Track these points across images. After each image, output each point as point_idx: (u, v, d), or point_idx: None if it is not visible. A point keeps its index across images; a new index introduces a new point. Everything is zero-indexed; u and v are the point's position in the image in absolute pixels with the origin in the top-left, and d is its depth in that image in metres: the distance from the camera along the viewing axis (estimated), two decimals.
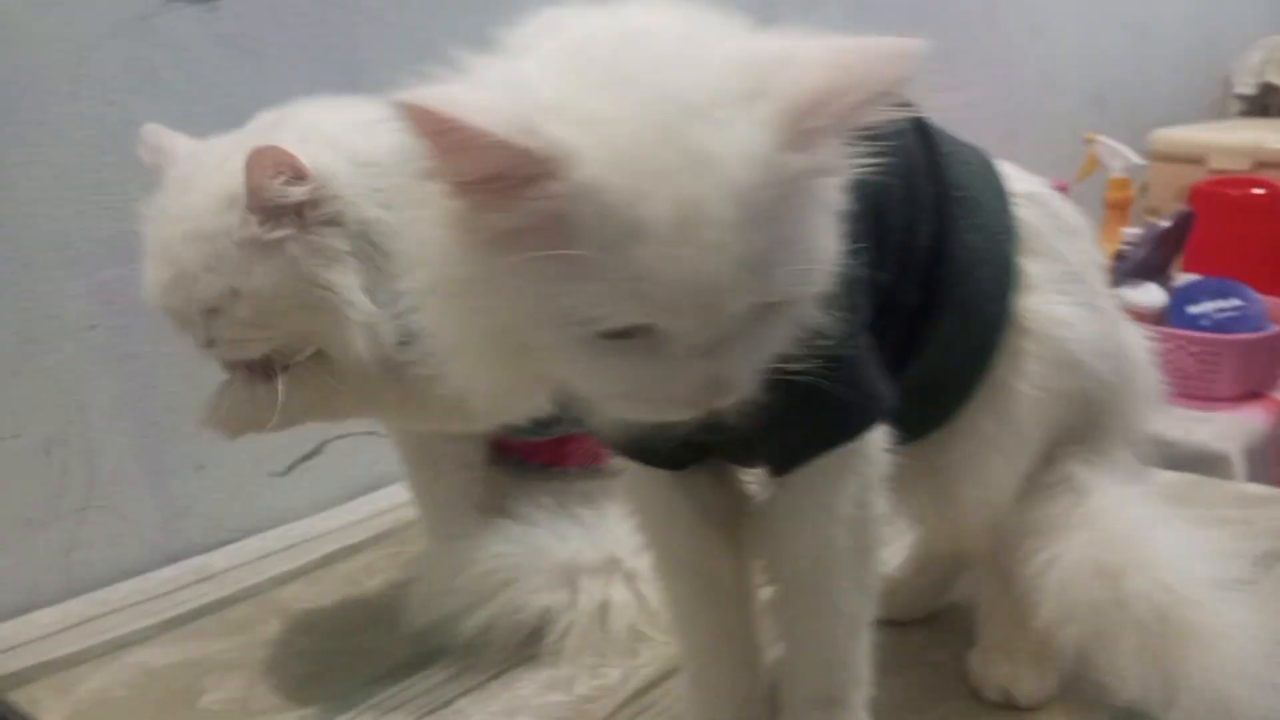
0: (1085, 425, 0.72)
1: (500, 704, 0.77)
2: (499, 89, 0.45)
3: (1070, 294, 0.69)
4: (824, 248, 0.49)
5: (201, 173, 0.72)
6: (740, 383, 0.48)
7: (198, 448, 1.05)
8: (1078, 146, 2.06)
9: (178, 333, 0.75)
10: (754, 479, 0.65)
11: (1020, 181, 0.70)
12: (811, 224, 0.48)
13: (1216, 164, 1.90)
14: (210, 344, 0.73)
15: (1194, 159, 1.94)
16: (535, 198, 0.42)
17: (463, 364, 0.52)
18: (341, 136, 0.74)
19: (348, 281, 0.70)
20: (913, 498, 0.72)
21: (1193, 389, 1.50)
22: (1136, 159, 1.97)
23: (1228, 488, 1.10)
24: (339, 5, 1.09)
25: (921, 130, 0.65)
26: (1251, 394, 1.52)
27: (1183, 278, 1.66)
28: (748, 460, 0.63)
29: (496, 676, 0.80)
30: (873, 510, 0.62)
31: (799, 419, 0.55)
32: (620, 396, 0.48)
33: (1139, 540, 0.68)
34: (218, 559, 1.02)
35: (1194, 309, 1.54)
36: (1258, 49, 2.39)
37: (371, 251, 0.72)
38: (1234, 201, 1.76)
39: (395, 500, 1.08)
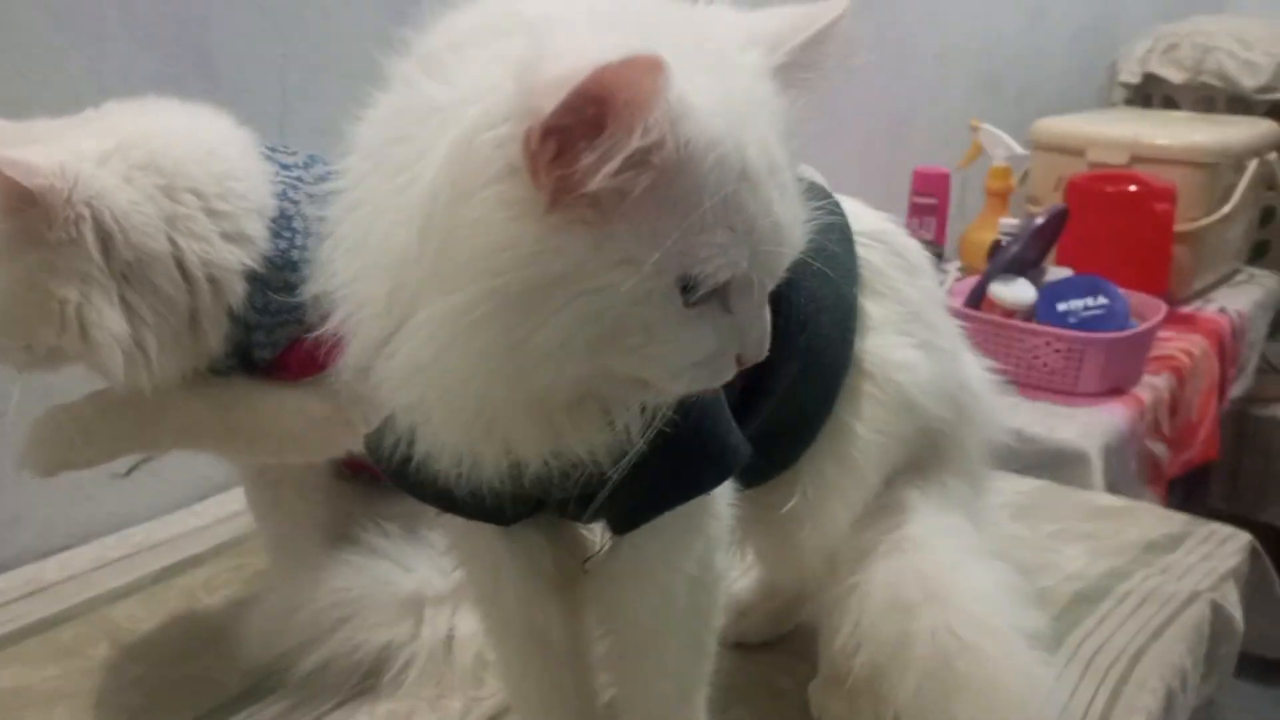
0: (923, 456, 0.72)
1: None
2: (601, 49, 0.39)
3: (911, 334, 0.69)
4: None
5: None
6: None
7: None
8: (966, 131, 2.08)
9: None
10: (590, 534, 0.63)
11: (865, 219, 0.70)
12: None
13: (1095, 156, 1.94)
14: None
15: (1074, 150, 1.97)
16: (661, 154, 0.40)
17: (462, 402, 0.46)
18: (159, 156, 0.69)
19: (94, 304, 0.65)
20: (754, 541, 0.72)
21: (1057, 384, 1.54)
22: (1019, 149, 1.99)
23: (1079, 498, 1.13)
24: None
25: None
26: (1114, 390, 1.56)
27: (1054, 271, 1.69)
28: (587, 516, 0.62)
29: (334, 710, 0.77)
30: (715, 569, 0.61)
31: (650, 472, 0.53)
32: (696, 365, 0.47)
33: (941, 577, 0.67)
34: (50, 569, 0.97)
35: (1062, 306, 1.57)
36: (1144, 38, 2.43)
37: (154, 279, 0.67)
38: (1108, 197, 1.80)
39: (242, 504, 1.04)
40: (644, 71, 0.38)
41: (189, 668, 0.82)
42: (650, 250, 0.42)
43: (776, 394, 0.63)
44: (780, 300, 0.62)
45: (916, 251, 0.72)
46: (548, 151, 0.40)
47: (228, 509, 1.07)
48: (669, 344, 0.45)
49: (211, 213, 0.69)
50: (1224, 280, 2.09)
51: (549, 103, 0.38)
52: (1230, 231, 2.01)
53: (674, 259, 0.42)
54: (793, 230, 0.46)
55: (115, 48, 0.98)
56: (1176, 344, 1.75)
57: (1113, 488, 1.46)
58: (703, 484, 0.58)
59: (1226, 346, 1.90)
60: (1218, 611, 0.91)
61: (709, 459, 0.57)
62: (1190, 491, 2.07)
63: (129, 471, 1.07)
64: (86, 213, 0.65)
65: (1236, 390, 2.03)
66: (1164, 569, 0.95)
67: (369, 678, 0.78)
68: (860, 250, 0.67)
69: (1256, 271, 2.19)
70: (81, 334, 0.65)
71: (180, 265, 0.68)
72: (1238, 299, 2.04)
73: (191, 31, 1.04)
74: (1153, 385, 1.61)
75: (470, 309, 0.42)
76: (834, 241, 0.66)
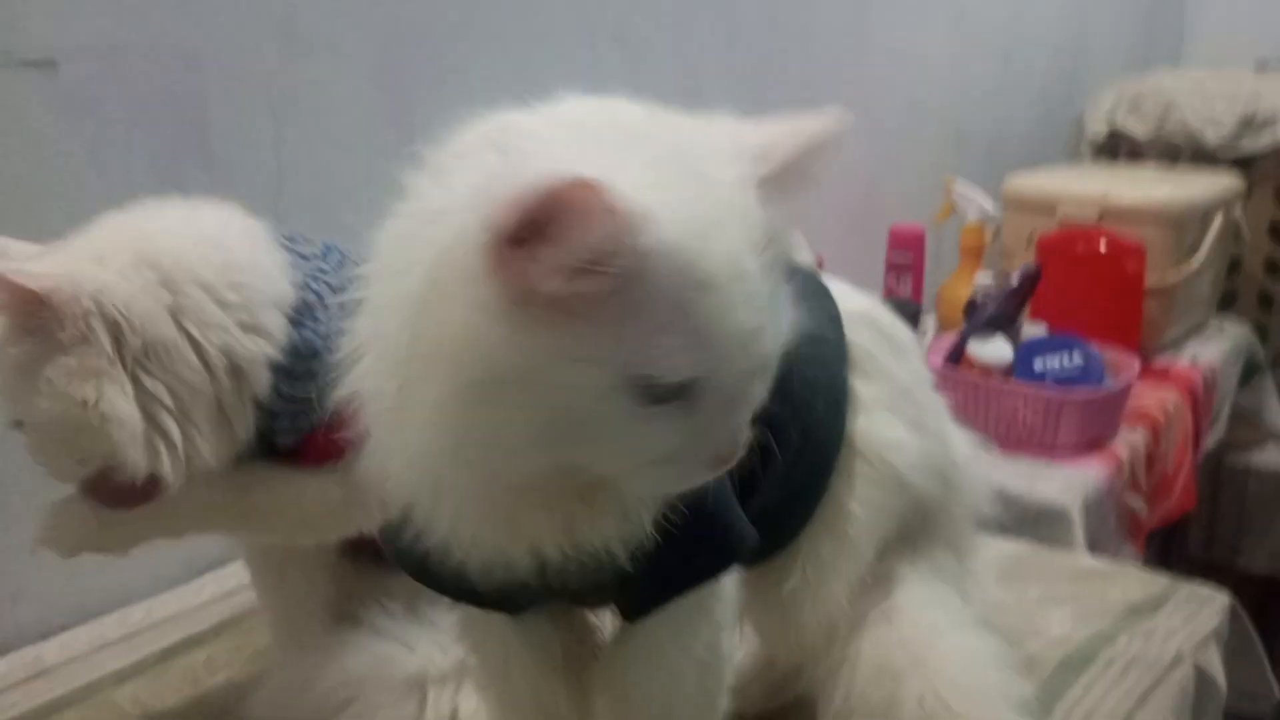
0: (912, 529, 0.75)
1: None
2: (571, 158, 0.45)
3: (900, 413, 0.71)
4: None
5: None
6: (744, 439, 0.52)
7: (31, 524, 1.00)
8: (939, 187, 2.13)
9: None
10: (600, 621, 0.65)
11: (852, 300, 0.73)
12: None
13: (1065, 213, 1.99)
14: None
15: (1044, 208, 2.02)
16: (619, 261, 0.43)
17: (462, 483, 0.50)
18: (157, 253, 0.71)
19: (109, 399, 0.67)
20: (754, 617, 0.74)
21: (1036, 440, 1.57)
22: (990, 207, 2.04)
23: (1063, 561, 1.16)
24: (181, 59, 1.05)
25: None
26: (1092, 445, 1.60)
27: (1029, 328, 1.73)
28: (597, 603, 0.64)
29: None
30: (722, 652, 0.63)
31: (661, 560, 0.55)
32: (661, 461, 0.49)
33: (929, 643, 0.70)
34: (50, 650, 0.98)
35: (1039, 364, 1.61)
36: (1109, 90, 2.50)
37: (163, 368, 0.69)
38: (1079, 257, 1.85)
39: (239, 580, 1.05)
40: (585, 190, 0.41)
41: None
42: (606, 350, 0.45)
43: (774, 475, 0.65)
44: (777, 387, 0.65)
45: (903, 331, 0.75)
46: (509, 259, 0.43)
47: (225, 586, 1.08)
48: (623, 440, 0.48)
49: (222, 304, 0.71)
50: (1194, 331, 2.14)
51: (503, 217, 0.42)
52: (1199, 283, 2.06)
53: (629, 359, 0.45)
54: (759, 336, 0.48)
55: (114, 130, 1.00)
56: (1151, 398, 1.79)
57: (1093, 544, 1.49)
58: (713, 570, 0.60)
59: (1199, 398, 1.94)
60: (1201, 675, 0.94)
61: (718, 546, 0.59)
62: (1168, 541, 2.11)
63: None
64: (93, 306, 0.67)
65: (1210, 440, 2.07)
66: (1147, 633, 0.98)
67: None
68: (849, 332, 0.70)
69: (1226, 322, 2.25)
70: (101, 430, 0.67)
71: (198, 352, 0.70)
72: (1208, 350, 2.08)
73: (189, 110, 1.06)
74: (1129, 441, 1.65)
75: (446, 401, 0.46)
76: (826, 326, 0.68)
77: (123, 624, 1.02)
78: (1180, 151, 2.36)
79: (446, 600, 0.64)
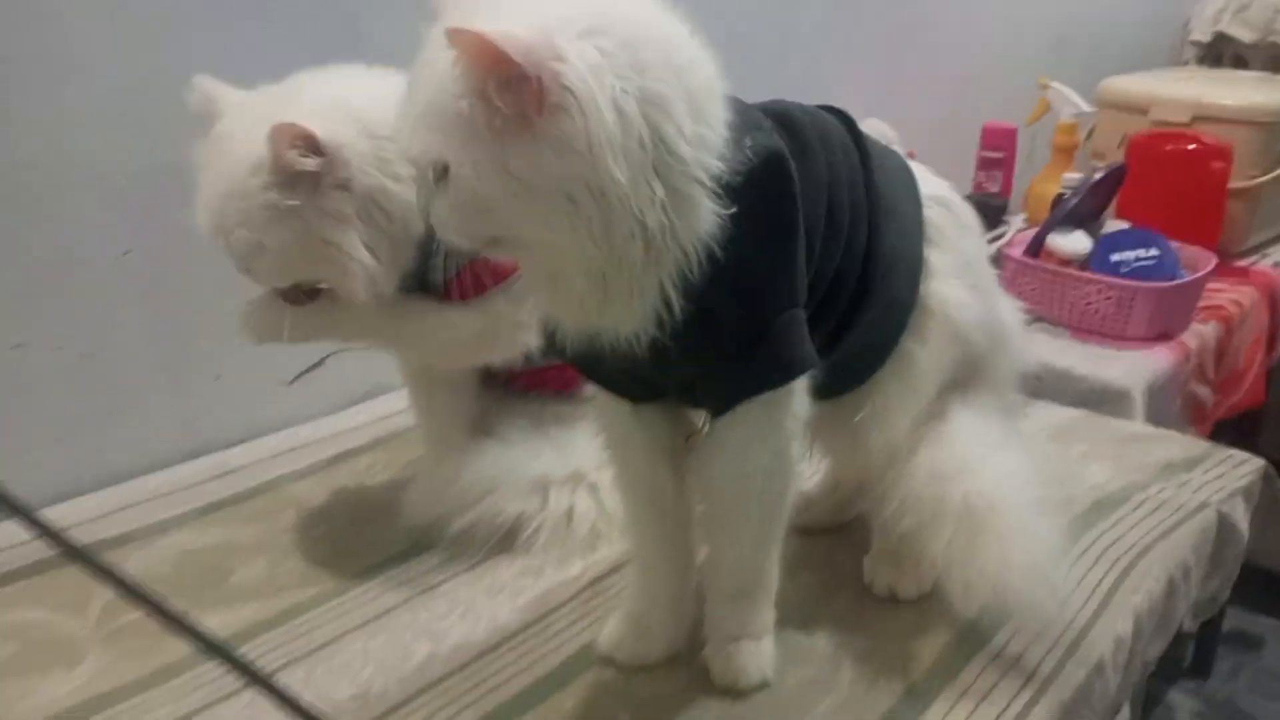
0: (965, 376, 0.88)
1: (483, 585, 0.94)
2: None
3: (964, 278, 0.84)
4: None
5: (238, 134, 0.85)
6: None
7: (217, 360, 1.19)
8: (1034, 90, 2.18)
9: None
10: (697, 417, 0.81)
11: (929, 184, 0.85)
12: None
13: (1158, 115, 2.02)
14: (246, 272, 0.88)
15: (1138, 109, 2.06)
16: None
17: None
18: (357, 109, 0.86)
19: (351, 239, 0.84)
20: (828, 442, 0.88)
21: (1108, 328, 1.66)
22: (1086, 106, 2.09)
23: (1112, 425, 1.27)
24: None
25: (859, 146, 0.79)
26: (1162, 336, 1.68)
27: (1112, 224, 1.80)
28: (692, 401, 0.79)
29: (479, 564, 0.96)
30: (788, 458, 0.77)
31: (729, 370, 0.71)
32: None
33: (974, 455, 0.84)
34: (235, 455, 1.18)
35: (1116, 256, 1.69)
36: None
37: (375, 213, 0.85)
38: (1167, 155, 1.89)
39: (388, 409, 1.24)
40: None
41: (361, 530, 1.02)
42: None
43: (861, 325, 0.79)
44: (868, 249, 0.78)
45: (969, 213, 0.87)
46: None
47: (376, 413, 1.26)
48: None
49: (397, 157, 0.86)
50: (1278, 237, 2.17)
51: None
52: None
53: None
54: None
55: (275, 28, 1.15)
56: (1227, 295, 1.85)
57: (1156, 425, 1.59)
58: (772, 380, 0.73)
59: (1278, 299, 1.99)
60: (1224, 520, 1.05)
61: (779, 363, 0.72)
62: (1239, 440, 2.16)
63: (293, 381, 1.27)
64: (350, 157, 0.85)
65: None
66: (1180, 484, 1.09)
67: (506, 540, 0.98)
68: (925, 210, 0.83)
69: None
70: (343, 270, 0.85)
71: (391, 199, 0.86)
72: None
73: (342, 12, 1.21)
74: (1200, 333, 1.72)
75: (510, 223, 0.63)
76: (909, 204, 0.81)
77: (291, 439, 1.21)
78: None
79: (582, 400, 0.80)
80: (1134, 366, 1.59)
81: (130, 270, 1.11)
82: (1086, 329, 1.68)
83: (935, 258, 0.83)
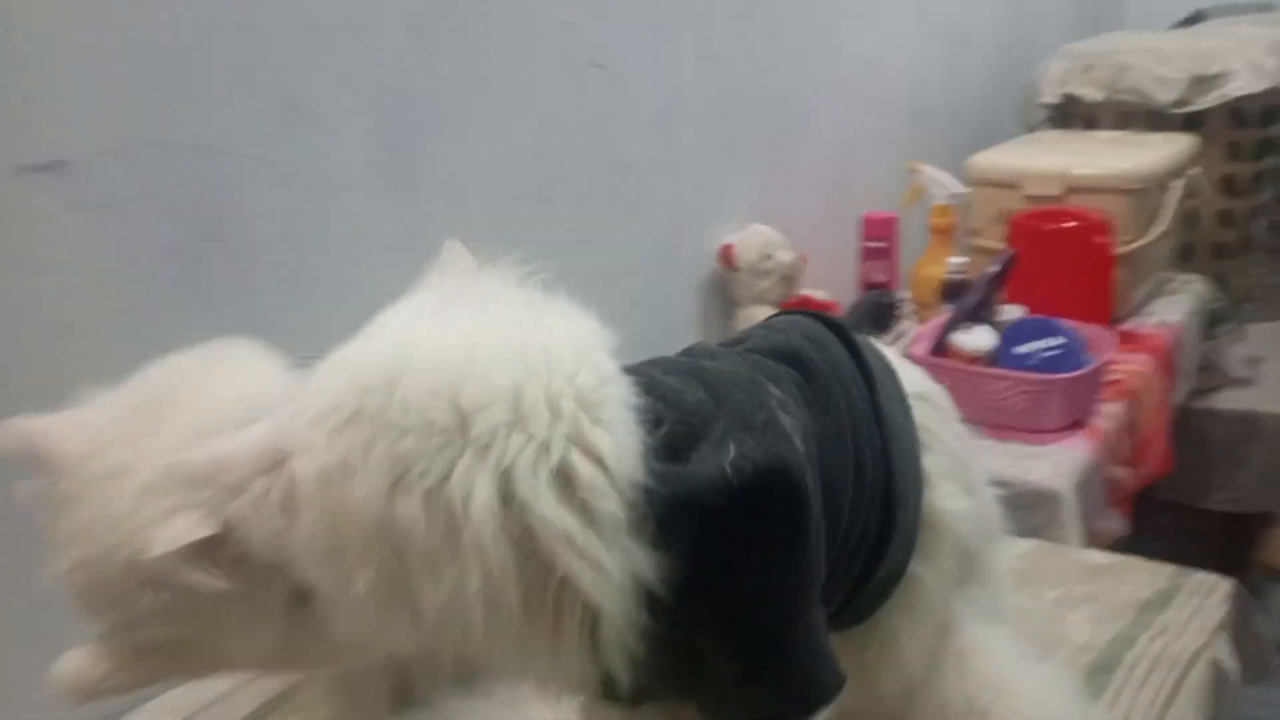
0: (964, 575, 0.79)
1: None
2: None
3: (957, 479, 0.75)
4: None
5: None
6: None
7: None
8: (903, 172, 2.18)
9: None
10: None
11: (907, 377, 0.76)
12: None
13: (1030, 190, 2.04)
14: None
15: (1009, 184, 2.07)
16: None
17: None
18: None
19: None
20: None
21: (1024, 423, 1.63)
22: (958, 187, 2.09)
23: (1071, 557, 1.22)
24: (191, 148, 1.06)
25: (859, 363, 0.70)
26: (1075, 424, 1.66)
27: (1007, 310, 1.79)
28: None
29: None
30: None
31: (728, 703, 0.60)
32: None
33: (1006, 678, 0.76)
34: None
35: (1022, 349, 1.67)
36: (1061, 58, 2.54)
37: None
38: (1049, 235, 1.90)
39: None
40: None
41: None
42: None
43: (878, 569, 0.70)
44: (886, 496, 0.68)
45: (944, 396, 0.79)
46: None
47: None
48: None
49: None
50: (1157, 291, 2.21)
51: None
52: (1160, 246, 2.13)
53: None
54: None
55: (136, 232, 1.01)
56: (1124, 366, 1.86)
57: (1085, 518, 1.56)
58: (782, 715, 0.62)
59: (1169, 359, 2.01)
60: (1217, 669, 1.00)
61: (789, 693, 0.61)
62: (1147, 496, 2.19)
63: None
64: None
65: (1179, 396, 2.15)
66: (1163, 629, 1.04)
67: None
68: (914, 412, 0.74)
69: (1186, 277, 2.32)
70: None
71: None
72: (1172, 309, 2.16)
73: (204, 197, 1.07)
74: (1110, 413, 1.72)
75: None
76: (902, 415, 0.72)
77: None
78: (1131, 116, 2.42)
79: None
80: (1059, 464, 1.56)
81: None
82: (1002, 425, 1.64)
83: (929, 463, 0.74)
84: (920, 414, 0.75)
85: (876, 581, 0.71)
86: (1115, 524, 1.73)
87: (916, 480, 0.72)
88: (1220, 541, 2.41)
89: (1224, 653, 1.03)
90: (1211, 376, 2.37)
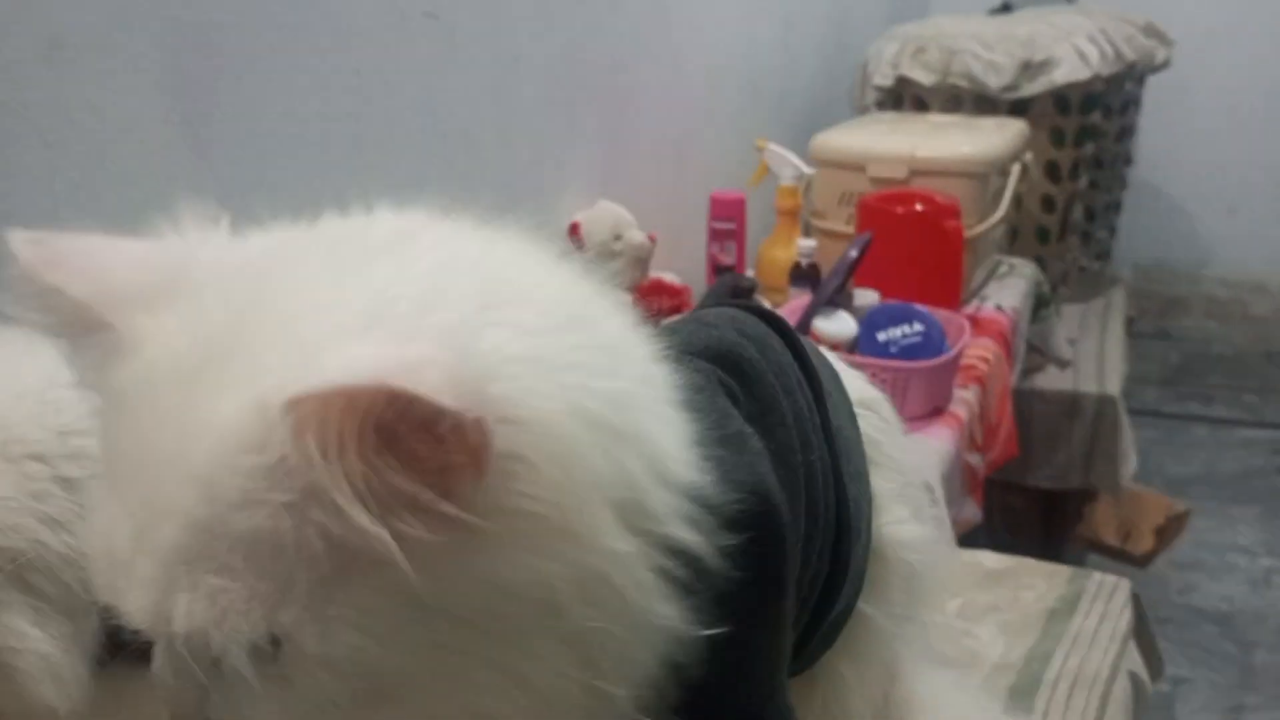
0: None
1: None
2: None
3: (909, 502, 0.65)
4: None
5: None
6: None
7: None
8: (746, 151, 2.08)
9: None
10: None
11: (854, 387, 0.65)
12: None
13: (875, 172, 1.98)
14: None
15: (854, 166, 2.01)
16: None
17: None
18: None
19: (11, 625, 0.50)
20: None
21: None
22: (805, 167, 2.02)
23: (965, 561, 1.15)
24: None
25: (804, 368, 0.57)
26: (934, 411, 1.61)
27: (860, 294, 1.71)
28: None
29: None
30: None
31: None
32: None
33: None
34: None
35: (882, 335, 1.60)
36: (892, 39, 2.51)
37: (33, 576, 0.52)
38: (899, 219, 1.84)
39: None
40: None
41: None
42: None
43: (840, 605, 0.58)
44: (839, 526, 0.57)
45: (889, 407, 0.68)
46: None
47: None
48: None
49: (63, 481, 0.53)
50: (991, 275, 2.21)
51: None
52: (997, 229, 2.12)
53: None
54: None
55: None
56: (974, 352, 1.82)
57: (948, 506, 1.51)
58: None
59: (1010, 344, 2.00)
60: (1135, 680, 0.94)
61: None
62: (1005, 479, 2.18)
63: None
64: None
65: (1014, 379, 2.15)
66: (1074, 640, 0.97)
67: None
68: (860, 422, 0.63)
69: (1014, 260, 2.33)
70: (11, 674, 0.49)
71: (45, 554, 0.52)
72: (1007, 292, 2.15)
73: None
74: (964, 400, 1.67)
75: None
76: (851, 428, 0.61)
77: None
78: (962, 100, 2.41)
79: None
80: (925, 457, 1.49)
81: None
82: None
83: (877, 484, 0.63)
84: (866, 425, 0.64)
85: (828, 624, 0.59)
86: (971, 512, 1.69)
87: (868, 506, 0.61)
88: (1043, 517, 2.46)
89: (1137, 663, 0.97)
90: (1035, 358, 2.40)
